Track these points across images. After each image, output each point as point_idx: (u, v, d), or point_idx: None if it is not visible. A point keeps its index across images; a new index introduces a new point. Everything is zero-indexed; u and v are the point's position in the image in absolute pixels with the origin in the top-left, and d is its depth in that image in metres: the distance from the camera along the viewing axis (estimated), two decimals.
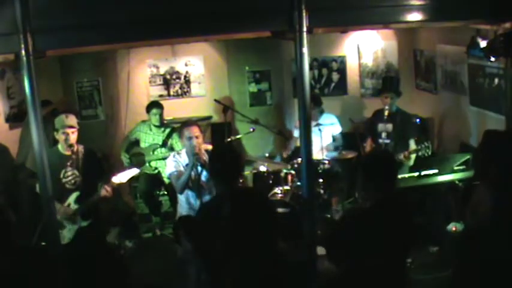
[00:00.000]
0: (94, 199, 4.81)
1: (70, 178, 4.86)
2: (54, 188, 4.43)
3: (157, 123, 6.60)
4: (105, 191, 4.75)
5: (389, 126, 6.33)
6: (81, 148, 4.95)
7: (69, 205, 4.85)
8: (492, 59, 4.43)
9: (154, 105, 6.69)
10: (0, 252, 2.68)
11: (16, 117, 6.53)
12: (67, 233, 4.87)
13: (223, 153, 3.86)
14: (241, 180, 6.55)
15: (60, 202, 4.77)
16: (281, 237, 2.66)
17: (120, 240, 6.61)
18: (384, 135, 6.36)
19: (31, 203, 5.73)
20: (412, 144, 6.18)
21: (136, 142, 6.75)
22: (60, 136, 4.86)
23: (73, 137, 4.84)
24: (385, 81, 6.79)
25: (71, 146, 4.81)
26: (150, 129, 6.69)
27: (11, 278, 2.52)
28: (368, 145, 6.68)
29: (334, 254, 3.26)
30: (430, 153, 5.89)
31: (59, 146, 4.93)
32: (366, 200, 3.49)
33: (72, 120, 4.90)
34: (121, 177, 4.87)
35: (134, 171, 5.08)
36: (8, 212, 3.76)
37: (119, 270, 2.44)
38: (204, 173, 4.73)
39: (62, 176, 4.85)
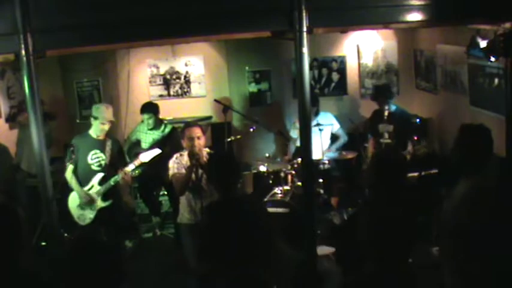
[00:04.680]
0: (114, 180, 5.22)
1: (96, 160, 5.25)
2: (82, 169, 5.23)
3: (150, 127, 6.56)
4: (124, 174, 5.21)
5: (391, 127, 6.35)
6: (108, 138, 5.40)
7: (92, 186, 5.24)
8: (492, 59, 4.42)
9: (145, 109, 6.56)
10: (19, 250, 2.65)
11: (16, 117, 6.53)
12: (88, 214, 5.27)
13: (222, 160, 3.92)
14: (240, 181, 6.58)
15: (81, 185, 5.23)
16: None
17: (120, 240, 6.61)
18: (386, 135, 6.36)
19: (30, 203, 5.75)
20: (409, 146, 6.20)
21: (138, 143, 6.74)
22: (97, 124, 5.29)
23: (107, 128, 5.32)
24: (375, 89, 6.89)
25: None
26: (150, 129, 6.67)
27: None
28: (370, 145, 6.68)
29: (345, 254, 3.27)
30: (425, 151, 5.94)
31: (90, 131, 5.34)
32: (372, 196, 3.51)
33: (111, 113, 5.38)
34: (144, 157, 5.33)
35: (157, 151, 5.45)
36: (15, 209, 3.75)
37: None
38: (204, 175, 4.72)
39: (89, 157, 5.25)
